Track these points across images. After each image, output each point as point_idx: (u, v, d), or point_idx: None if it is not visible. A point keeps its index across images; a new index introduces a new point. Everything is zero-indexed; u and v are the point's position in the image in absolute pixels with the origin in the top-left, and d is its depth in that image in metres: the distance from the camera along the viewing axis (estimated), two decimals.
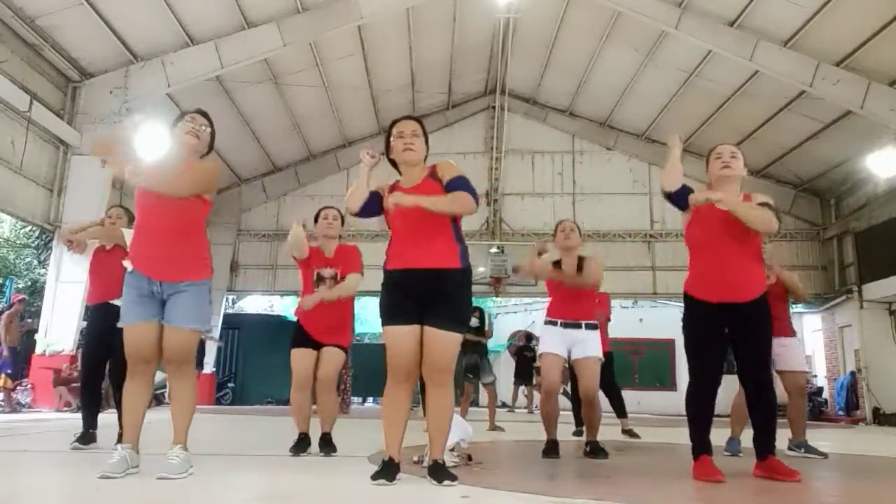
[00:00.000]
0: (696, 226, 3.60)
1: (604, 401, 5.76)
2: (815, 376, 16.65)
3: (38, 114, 10.30)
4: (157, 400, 10.62)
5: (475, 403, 12.92)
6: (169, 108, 11.40)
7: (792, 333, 5.11)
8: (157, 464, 3.04)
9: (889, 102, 10.90)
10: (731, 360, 3.60)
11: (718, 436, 3.73)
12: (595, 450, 4.54)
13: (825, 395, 15.70)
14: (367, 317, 22.47)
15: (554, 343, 4.69)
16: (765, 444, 3.47)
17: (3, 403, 9.65)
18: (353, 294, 4.36)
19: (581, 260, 4.74)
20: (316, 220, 4.49)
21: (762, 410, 3.50)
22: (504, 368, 16.75)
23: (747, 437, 3.83)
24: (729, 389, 4.23)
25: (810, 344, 17.04)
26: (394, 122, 3.34)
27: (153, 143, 10.52)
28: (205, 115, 3.42)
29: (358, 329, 21.46)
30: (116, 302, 3.58)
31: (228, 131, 13.38)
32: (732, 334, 3.49)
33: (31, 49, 10.33)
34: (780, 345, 4.66)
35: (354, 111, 15.20)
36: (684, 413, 3.58)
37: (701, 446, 3.43)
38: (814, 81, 11.18)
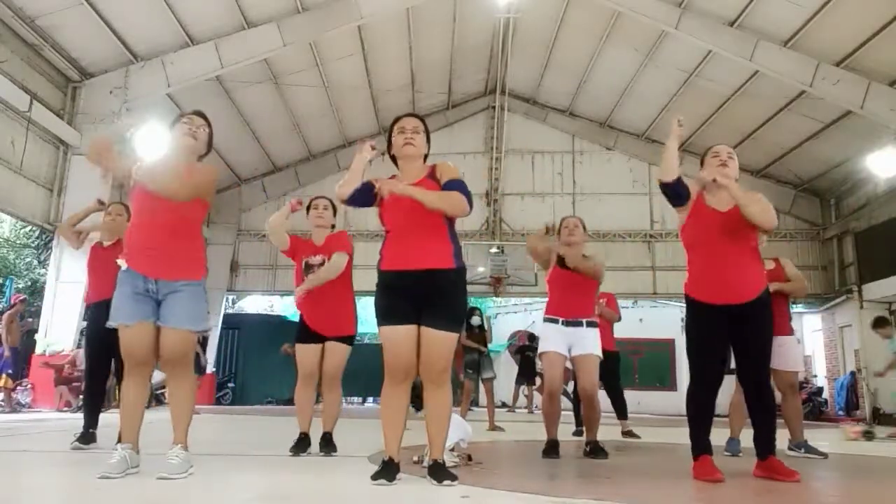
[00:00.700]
0: (692, 225, 3.60)
1: (605, 400, 5.75)
2: (815, 376, 16.66)
3: (38, 114, 10.30)
4: (157, 400, 10.62)
5: (475, 403, 12.92)
6: (169, 109, 11.39)
7: (790, 332, 5.09)
8: (157, 464, 3.04)
9: (889, 102, 10.90)
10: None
11: (718, 436, 3.72)
12: (595, 450, 4.52)
13: (825, 395, 15.69)
14: (367, 317, 22.38)
15: (555, 341, 4.66)
16: (765, 444, 3.47)
17: (3, 403, 9.65)
18: (340, 270, 4.24)
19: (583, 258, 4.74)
20: (308, 211, 4.49)
21: (762, 410, 3.50)
22: (504, 368, 16.72)
23: (747, 436, 3.83)
24: (729, 389, 4.23)
25: (810, 344, 17.04)
26: (396, 119, 3.35)
27: (153, 143, 10.62)
28: (202, 115, 3.42)
29: (358, 329, 21.35)
30: None
31: (228, 131, 13.39)
32: (733, 334, 3.49)
33: (31, 49, 10.33)
34: (776, 343, 4.64)
35: (354, 111, 15.20)
36: (684, 413, 3.58)
37: (701, 446, 3.42)
38: (814, 81, 11.18)
